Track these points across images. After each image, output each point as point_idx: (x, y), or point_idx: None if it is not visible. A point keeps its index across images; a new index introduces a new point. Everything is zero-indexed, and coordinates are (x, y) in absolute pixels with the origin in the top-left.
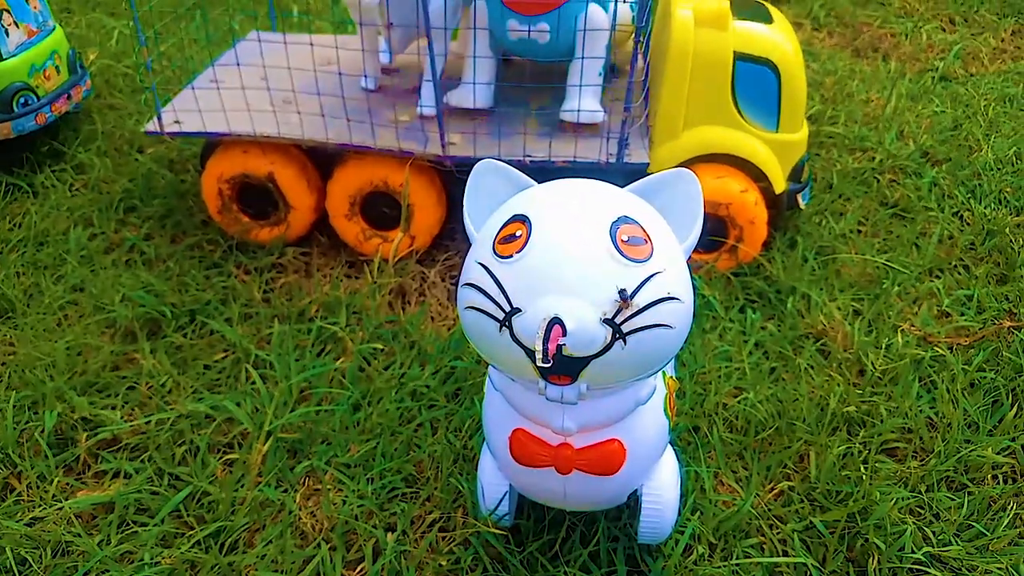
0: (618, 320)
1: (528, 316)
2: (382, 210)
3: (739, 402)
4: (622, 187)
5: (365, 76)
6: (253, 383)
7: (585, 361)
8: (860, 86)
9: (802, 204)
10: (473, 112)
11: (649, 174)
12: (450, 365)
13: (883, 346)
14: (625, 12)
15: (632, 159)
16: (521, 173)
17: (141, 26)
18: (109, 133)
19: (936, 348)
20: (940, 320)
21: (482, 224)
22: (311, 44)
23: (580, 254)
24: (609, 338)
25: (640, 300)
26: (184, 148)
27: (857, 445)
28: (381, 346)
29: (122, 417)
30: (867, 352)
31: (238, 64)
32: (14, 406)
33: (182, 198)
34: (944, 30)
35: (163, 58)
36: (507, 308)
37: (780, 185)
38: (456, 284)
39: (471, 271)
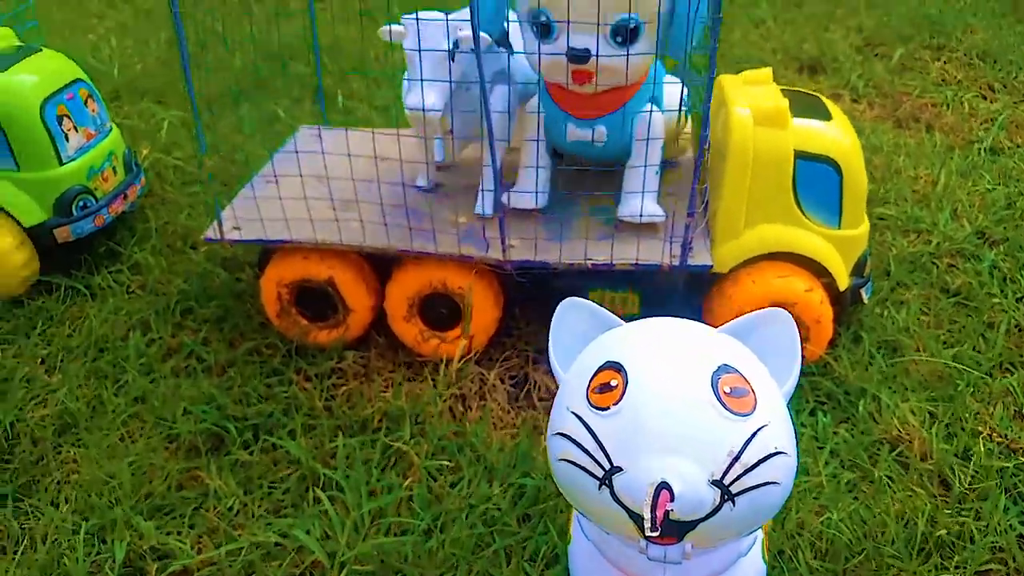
0: (726, 481)
1: (631, 477)
2: (439, 311)
3: (822, 522)
4: (708, 322)
5: (421, 176)
6: (321, 504)
7: (692, 524)
8: (907, 161)
9: (865, 298)
10: (530, 212)
11: (713, 274)
12: (519, 483)
13: (964, 455)
14: (674, 100)
15: (696, 261)
16: (606, 311)
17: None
18: (163, 229)
19: (1019, 457)
20: (1017, 421)
21: (569, 364)
22: (371, 135)
23: (682, 409)
24: (718, 500)
25: (747, 458)
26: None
27: (952, 574)
28: (447, 461)
29: (192, 546)
30: (950, 464)
31: (296, 154)
32: (84, 535)
33: (238, 299)
34: (985, 98)
35: (214, 152)
36: (607, 466)
37: (844, 282)
38: (516, 386)
39: (564, 420)
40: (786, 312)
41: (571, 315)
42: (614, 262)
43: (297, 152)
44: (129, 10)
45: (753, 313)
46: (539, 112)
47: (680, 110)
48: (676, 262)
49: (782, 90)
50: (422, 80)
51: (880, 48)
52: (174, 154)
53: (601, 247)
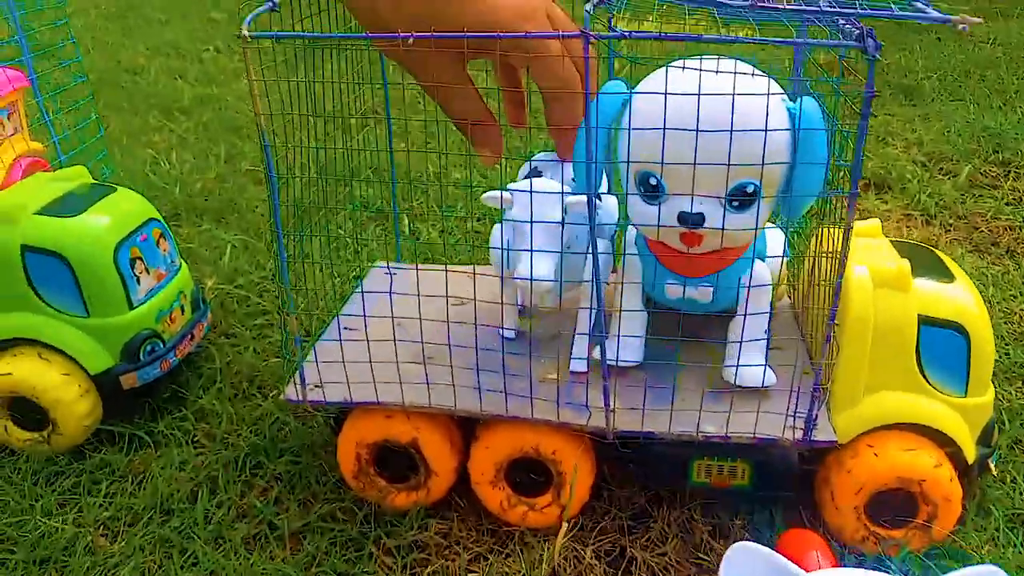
0: None
1: None
2: (529, 475)
3: None
4: None
5: (504, 327)
6: None
7: None
8: (995, 293)
9: (993, 469)
10: (624, 369)
11: (836, 445)
12: None
13: None
14: (775, 263)
15: (820, 436)
16: (782, 559)
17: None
18: (227, 370)
19: None
20: None
21: None
22: (449, 275)
23: None
24: None
25: None
26: None
27: None
28: None
29: None
30: None
31: (365, 295)
32: None
33: (310, 452)
34: None
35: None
36: None
37: (971, 454)
38: (612, 564)
39: None
40: (998, 569)
41: (743, 562)
42: (730, 436)
43: (368, 289)
44: (187, 122)
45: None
46: (635, 253)
47: (782, 258)
48: (799, 437)
49: (893, 243)
50: (532, 250)
51: (944, 164)
52: (237, 282)
53: (713, 416)
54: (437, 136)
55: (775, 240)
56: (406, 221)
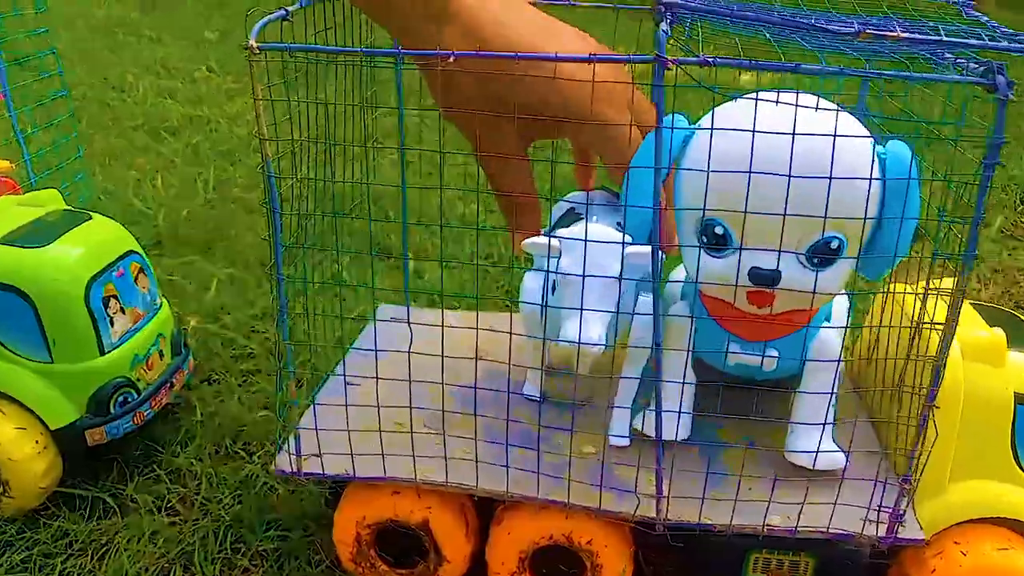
0: None
1: None
2: (558, 566)
3: None
4: None
5: (531, 384)
6: None
7: None
8: None
9: None
10: (669, 444)
11: (924, 542)
12: None
13: None
14: (841, 315)
15: (907, 534)
16: None
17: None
18: (209, 422)
19: None
20: None
21: None
22: (474, 327)
23: None
24: None
25: None
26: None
27: None
28: None
29: None
30: None
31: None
32: None
33: (301, 526)
34: None
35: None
36: None
37: None
38: None
39: None
40: None
41: None
42: (798, 530)
43: (372, 338)
44: (175, 144)
45: None
46: (690, 320)
47: (846, 327)
48: (882, 534)
49: (974, 306)
50: (582, 310)
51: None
52: (222, 321)
53: (779, 506)
54: (440, 167)
55: (839, 305)
56: (410, 261)
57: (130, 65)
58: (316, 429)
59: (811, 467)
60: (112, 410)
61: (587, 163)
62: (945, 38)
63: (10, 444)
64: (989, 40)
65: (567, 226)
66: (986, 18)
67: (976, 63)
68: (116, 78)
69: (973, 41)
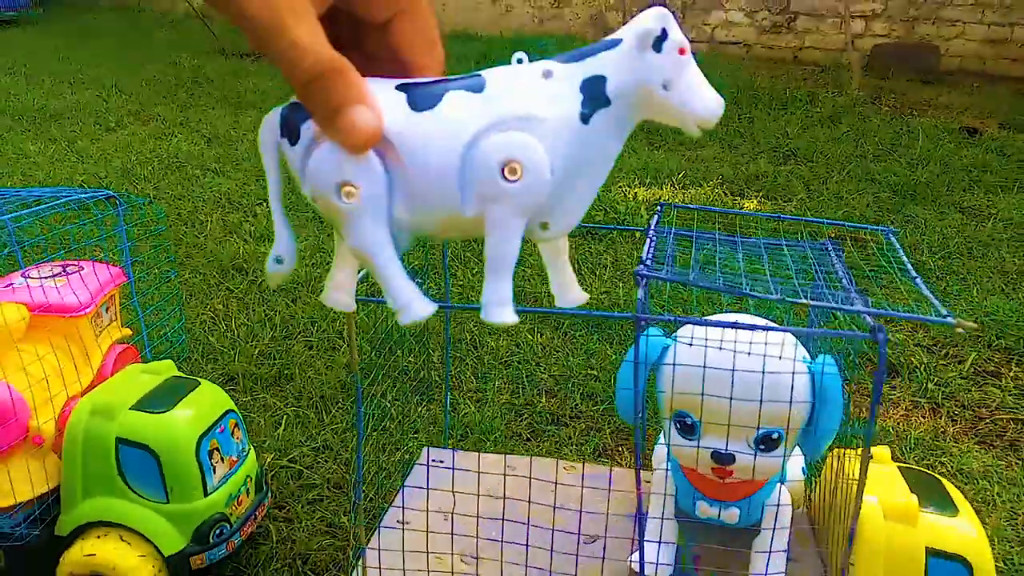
0: None
1: None
2: None
3: None
4: None
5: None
6: None
7: None
8: (1000, 491)
9: None
10: None
11: None
12: None
13: None
14: (795, 479)
15: None
16: None
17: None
18: (282, 548)
19: None
20: None
21: None
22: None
23: None
24: None
25: None
26: None
27: None
28: None
29: None
30: None
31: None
32: None
33: None
34: None
35: (326, 449)
36: None
37: None
38: None
39: None
40: None
41: None
42: None
43: (417, 480)
44: (243, 282)
45: None
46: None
47: (803, 480)
48: None
49: (901, 470)
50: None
51: (950, 349)
52: (290, 455)
53: None
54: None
55: (794, 464)
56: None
57: (199, 200)
58: (380, 567)
59: None
60: (211, 540)
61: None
62: (839, 306)
63: (134, 569)
64: (873, 303)
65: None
66: (898, 250)
67: (871, 320)
68: (188, 215)
69: (861, 309)
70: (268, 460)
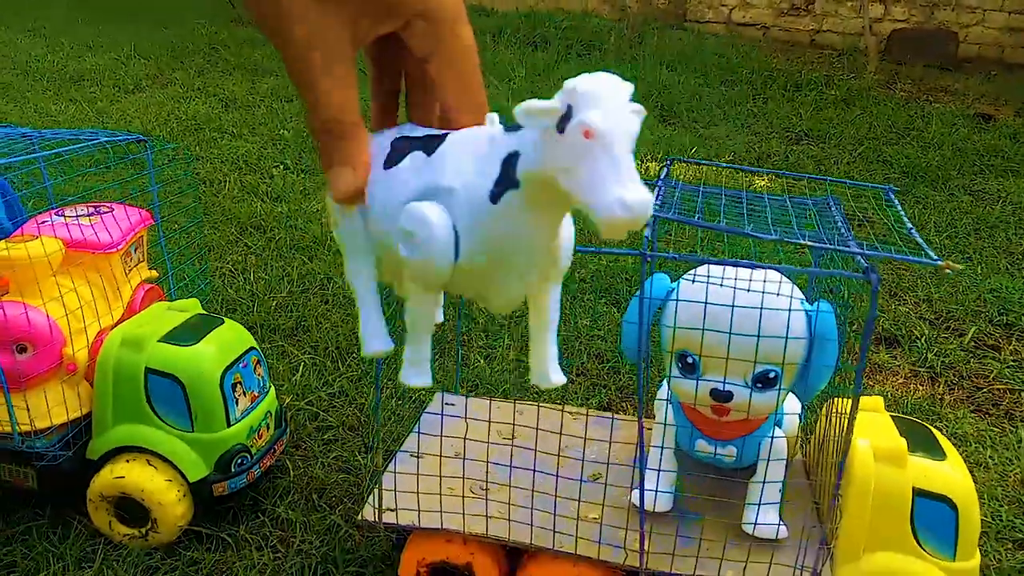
0: None
1: None
2: None
3: None
4: None
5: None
6: None
7: None
8: (993, 455)
9: None
10: (657, 515)
11: None
12: None
13: None
14: (791, 422)
15: None
16: None
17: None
18: (299, 481)
19: None
20: None
21: None
22: (512, 409)
23: None
24: None
25: None
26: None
27: None
28: None
29: None
30: None
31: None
32: None
33: (372, 565)
34: None
35: (343, 397)
36: None
37: None
38: None
39: None
40: None
41: None
42: None
43: (430, 422)
44: (261, 239)
45: None
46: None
47: (799, 415)
48: None
49: (893, 419)
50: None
51: (952, 323)
52: (307, 398)
53: (732, 564)
54: None
55: (791, 403)
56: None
57: (217, 161)
58: (395, 489)
59: (761, 536)
60: (233, 469)
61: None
62: (838, 247)
63: (160, 492)
64: (867, 245)
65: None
66: (897, 206)
67: (864, 261)
68: (206, 174)
69: (855, 250)
70: (287, 402)
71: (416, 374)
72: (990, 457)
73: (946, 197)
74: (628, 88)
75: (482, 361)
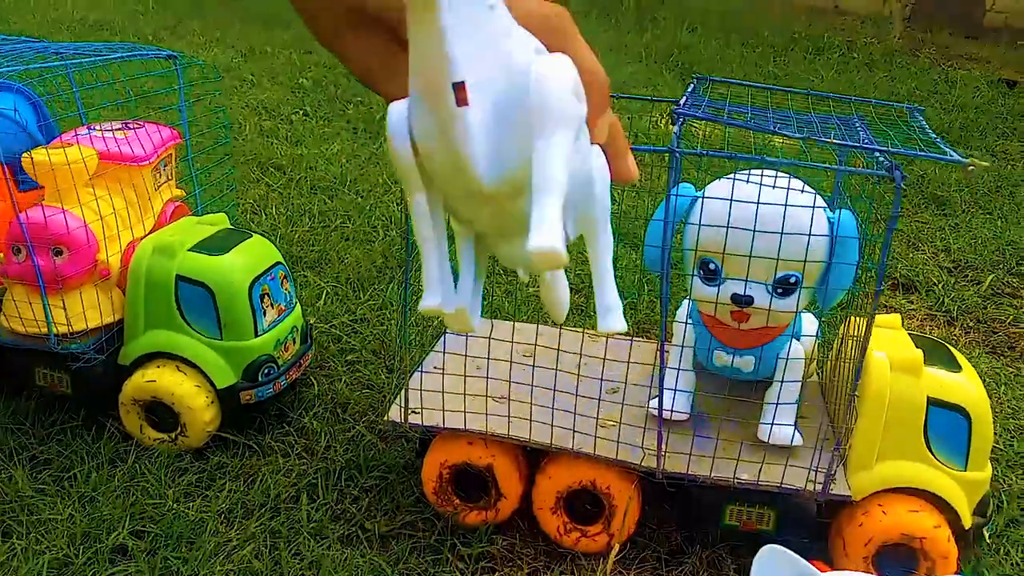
0: None
1: None
2: (584, 506)
3: None
4: None
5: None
6: None
7: None
8: (1007, 391)
9: (987, 537)
10: (675, 420)
11: (850, 500)
12: None
13: None
14: (808, 341)
15: (836, 490)
16: (804, 561)
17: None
18: (323, 396)
19: None
20: None
21: None
22: (535, 330)
23: None
24: None
25: None
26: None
27: None
28: None
29: None
30: None
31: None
32: None
33: (395, 471)
34: None
35: (364, 323)
36: None
37: (967, 520)
38: None
39: None
40: None
41: (772, 563)
42: (759, 483)
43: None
44: (282, 179)
45: None
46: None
47: (815, 338)
48: (819, 489)
49: (912, 336)
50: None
51: (969, 272)
52: (331, 322)
53: (747, 467)
54: None
55: (809, 323)
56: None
57: (238, 107)
58: (421, 390)
59: (776, 442)
60: (259, 378)
61: None
62: (863, 144)
63: (189, 397)
64: (891, 146)
65: None
66: (922, 122)
67: (886, 160)
68: (227, 117)
69: (878, 147)
70: (313, 323)
71: (425, 296)
72: (1003, 393)
73: (968, 157)
74: None
75: (501, 295)
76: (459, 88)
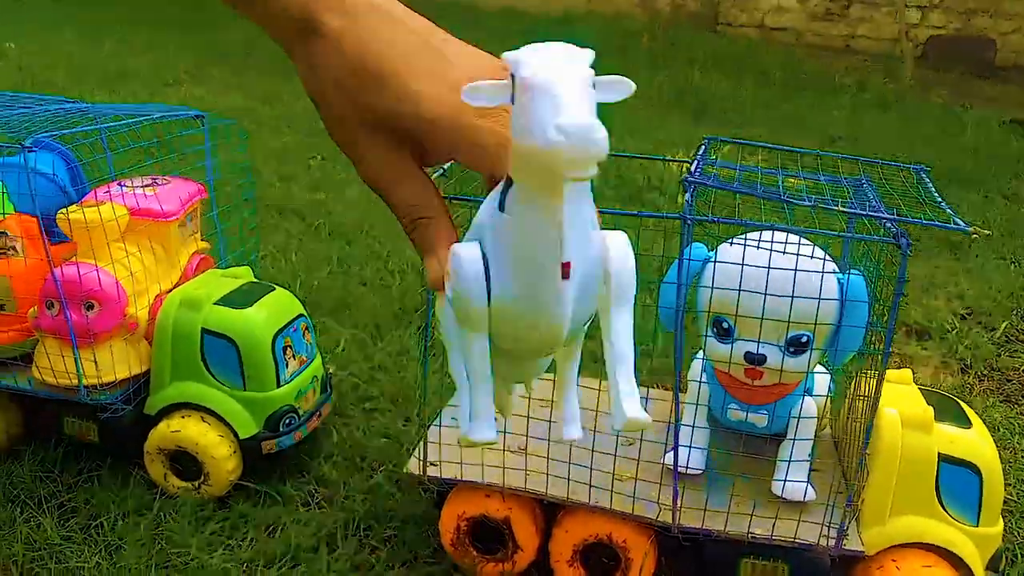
0: None
1: None
2: (600, 559)
3: None
4: None
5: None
6: None
7: None
8: (1021, 441)
9: None
10: (687, 475)
11: (863, 555)
12: None
13: None
14: (820, 399)
15: (849, 546)
16: None
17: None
18: (342, 444)
19: None
20: None
21: None
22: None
23: None
24: None
25: None
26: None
27: None
28: None
29: None
30: None
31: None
32: None
33: (413, 521)
34: None
35: (382, 370)
36: None
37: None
38: None
39: None
40: None
41: None
42: (773, 538)
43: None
44: (301, 224)
45: None
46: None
47: (827, 396)
48: (831, 544)
49: (921, 390)
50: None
51: (983, 318)
52: (350, 369)
53: (761, 521)
54: None
55: (821, 380)
56: None
57: (257, 152)
58: (440, 443)
59: (789, 498)
60: (281, 428)
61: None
62: (869, 212)
63: (213, 447)
64: (898, 215)
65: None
66: (928, 184)
67: (894, 227)
68: (249, 171)
69: (884, 215)
70: (333, 371)
71: (479, 428)
72: (1018, 443)
73: (981, 199)
74: (570, 47)
75: None
76: (565, 265)
